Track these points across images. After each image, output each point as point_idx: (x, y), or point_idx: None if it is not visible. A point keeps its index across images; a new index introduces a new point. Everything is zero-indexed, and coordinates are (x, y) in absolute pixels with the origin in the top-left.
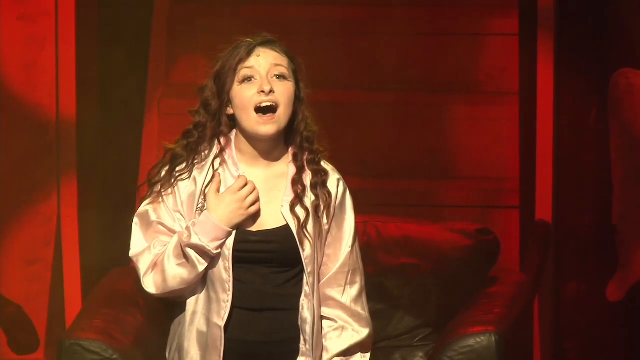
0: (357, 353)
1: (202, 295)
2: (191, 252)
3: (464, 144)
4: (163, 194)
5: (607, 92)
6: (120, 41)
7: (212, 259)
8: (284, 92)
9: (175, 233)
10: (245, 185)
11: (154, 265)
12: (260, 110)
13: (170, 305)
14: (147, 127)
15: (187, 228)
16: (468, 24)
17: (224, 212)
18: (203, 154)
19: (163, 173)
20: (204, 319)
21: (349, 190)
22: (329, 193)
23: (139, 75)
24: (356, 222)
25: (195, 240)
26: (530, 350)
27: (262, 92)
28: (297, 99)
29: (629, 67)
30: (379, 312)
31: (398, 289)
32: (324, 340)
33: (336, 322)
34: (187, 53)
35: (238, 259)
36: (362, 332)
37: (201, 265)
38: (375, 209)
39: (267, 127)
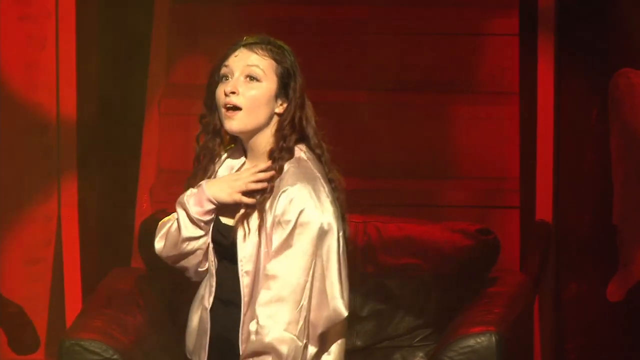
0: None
1: (205, 281)
2: (180, 212)
3: (464, 144)
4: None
5: (607, 92)
6: (120, 41)
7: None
8: (250, 95)
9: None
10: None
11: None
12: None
13: (174, 306)
14: (147, 127)
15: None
16: (468, 24)
17: (215, 183)
18: (207, 146)
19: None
20: (201, 303)
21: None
22: (269, 189)
23: (139, 76)
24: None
25: (182, 198)
26: (531, 351)
27: (227, 92)
28: (283, 101)
29: (630, 67)
30: (380, 312)
31: (398, 289)
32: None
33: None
34: (187, 53)
35: (213, 248)
36: (257, 340)
37: (185, 229)
38: (376, 209)
39: (230, 122)
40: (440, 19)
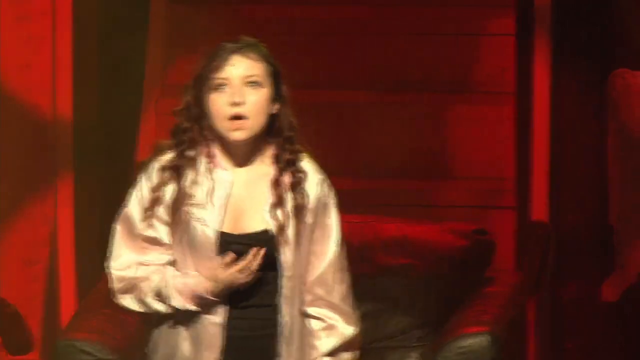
0: (345, 351)
1: None
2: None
3: (460, 144)
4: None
5: (603, 92)
6: (117, 41)
7: (199, 264)
8: (255, 101)
9: (161, 246)
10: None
11: (132, 288)
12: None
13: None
14: (144, 128)
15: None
16: (465, 24)
17: (213, 286)
18: (191, 158)
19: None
20: (197, 317)
21: (336, 190)
22: (307, 194)
23: (136, 76)
24: (341, 221)
25: (176, 303)
26: (525, 350)
27: (234, 103)
28: (276, 101)
29: (626, 68)
30: (376, 312)
31: (395, 289)
32: (313, 339)
33: (325, 321)
34: (184, 53)
35: None
36: (350, 331)
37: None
38: (373, 209)
39: (237, 133)
40: (436, 19)
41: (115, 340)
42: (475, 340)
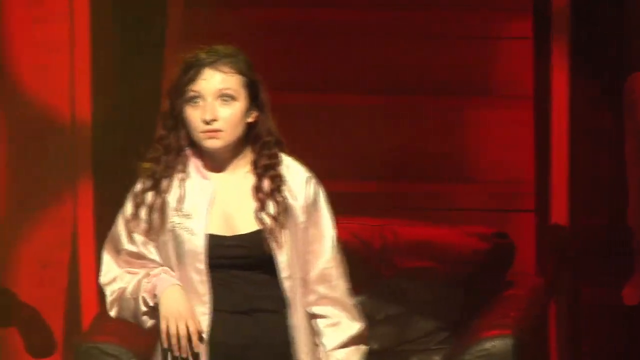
0: (352, 346)
1: None
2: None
3: (478, 147)
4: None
5: (621, 95)
6: (134, 44)
7: (185, 277)
8: (228, 115)
9: (145, 259)
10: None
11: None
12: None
13: None
14: None
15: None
16: (482, 27)
17: (173, 301)
18: (168, 166)
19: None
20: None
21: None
22: (294, 194)
23: (154, 78)
24: (333, 215)
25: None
26: (547, 354)
27: (205, 121)
28: (253, 110)
29: None
30: (396, 316)
31: (415, 292)
32: (320, 337)
33: (330, 318)
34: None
35: (215, 264)
36: (356, 327)
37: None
38: (392, 212)
39: (212, 141)
40: (454, 23)
41: (136, 343)
42: (497, 343)
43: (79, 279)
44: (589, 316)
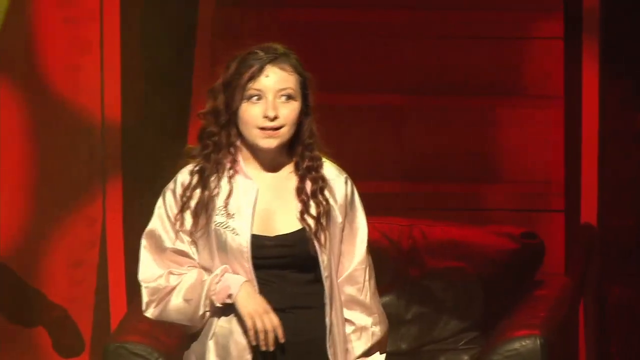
0: (376, 352)
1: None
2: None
3: (508, 147)
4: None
5: None
6: (164, 45)
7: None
8: (288, 114)
9: (190, 258)
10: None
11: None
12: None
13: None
14: (192, 129)
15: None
16: (513, 27)
17: (250, 301)
18: (216, 162)
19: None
20: (226, 329)
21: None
22: (334, 194)
23: (184, 78)
24: (367, 219)
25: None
26: (576, 354)
27: (267, 117)
28: (304, 113)
29: None
30: (425, 316)
31: (443, 292)
32: (347, 342)
33: (354, 324)
34: (231, 56)
35: (257, 265)
36: (380, 331)
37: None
38: (420, 212)
39: (269, 140)
40: (485, 23)
41: (164, 344)
42: (525, 343)
43: (107, 279)
44: (617, 316)
